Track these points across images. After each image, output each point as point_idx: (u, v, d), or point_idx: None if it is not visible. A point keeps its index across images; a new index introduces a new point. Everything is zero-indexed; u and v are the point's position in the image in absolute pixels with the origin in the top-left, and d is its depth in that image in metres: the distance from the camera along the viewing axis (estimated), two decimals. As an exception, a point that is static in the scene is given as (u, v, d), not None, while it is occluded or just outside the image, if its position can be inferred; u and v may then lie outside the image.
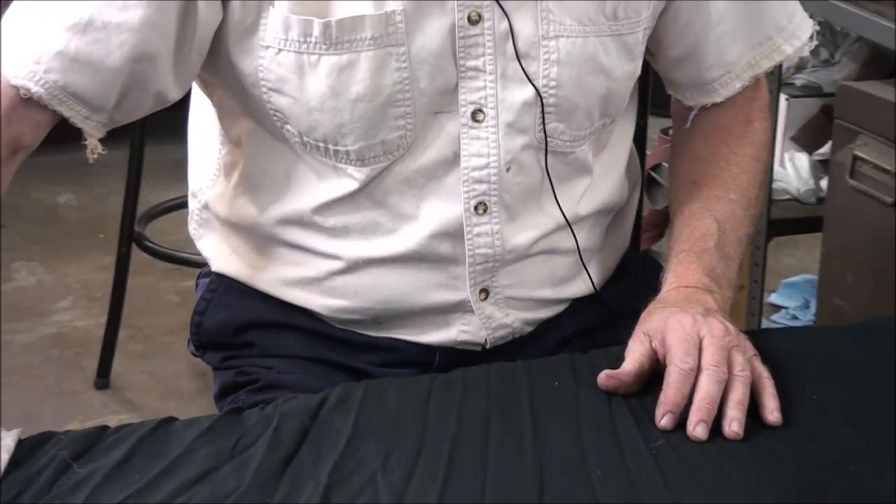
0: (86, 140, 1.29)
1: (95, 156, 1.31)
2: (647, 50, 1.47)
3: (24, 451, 1.12)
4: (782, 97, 2.70)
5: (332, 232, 1.39)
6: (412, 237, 1.37)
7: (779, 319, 2.85)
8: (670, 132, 1.83)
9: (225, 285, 1.50)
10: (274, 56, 1.31)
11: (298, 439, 1.16)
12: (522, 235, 1.40)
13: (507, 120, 1.35)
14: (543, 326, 1.48)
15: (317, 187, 1.37)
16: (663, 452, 1.15)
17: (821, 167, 2.72)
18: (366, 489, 1.09)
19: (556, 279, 1.46)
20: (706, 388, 1.18)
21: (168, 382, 2.77)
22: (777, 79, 2.56)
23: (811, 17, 2.41)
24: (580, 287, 1.48)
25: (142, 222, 2.78)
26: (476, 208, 1.37)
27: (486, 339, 1.43)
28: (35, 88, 1.23)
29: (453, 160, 1.35)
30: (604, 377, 1.22)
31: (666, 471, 1.12)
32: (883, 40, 2.26)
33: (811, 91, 2.85)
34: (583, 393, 1.24)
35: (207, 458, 1.13)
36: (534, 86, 1.34)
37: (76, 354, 2.86)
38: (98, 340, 2.78)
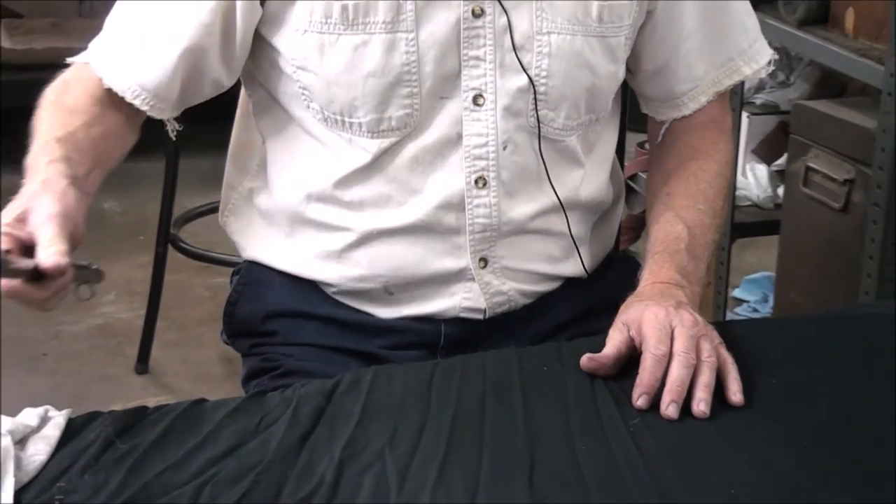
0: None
1: (175, 132, 1.41)
2: (628, 68, 1.47)
3: (74, 428, 1.13)
4: (744, 115, 2.70)
5: (350, 206, 1.39)
6: (420, 209, 1.37)
7: (741, 312, 2.85)
8: (645, 146, 1.83)
9: (254, 279, 1.50)
10: (300, 37, 1.34)
11: (315, 419, 1.16)
12: (518, 210, 1.40)
13: (504, 104, 1.36)
14: (539, 310, 1.47)
15: (335, 163, 1.38)
16: (640, 430, 1.15)
17: (778, 177, 2.72)
18: (375, 463, 1.10)
19: (550, 257, 1.45)
20: (677, 373, 1.18)
21: (199, 368, 2.77)
22: (739, 98, 2.57)
23: (770, 43, 2.42)
24: (572, 268, 1.47)
25: (177, 225, 2.79)
26: (476, 182, 1.37)
27: (485, 308, 1.43)
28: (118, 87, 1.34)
29: (457, 140, 1.36)
30: (585, 360, 1.23)
31: (642, 446, 1.13)
32: (832, 64, 2.26)
33: (769, 109, 2.85)
34: (568, 377, 1.24)
35: (234, 434, 1.13)
36: (528, 75, 1.35)
37: (119, 343, 2.86)
38: (138, 330, 2.78)
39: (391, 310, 1.43)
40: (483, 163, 1.37)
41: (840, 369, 1.28)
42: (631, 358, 1.24)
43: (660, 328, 1.23)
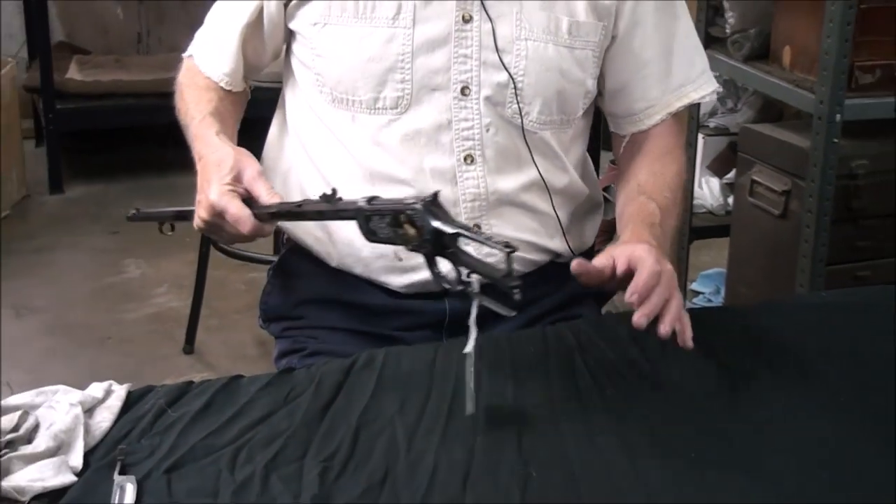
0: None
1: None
2: (599, 92, 1.47)
3: (132, 400, 1.13)
4: (700, 136, 2.70)
5: (363, 179, 1.37)
6: (420, 183, 1.36)
7: (698, 301, 2.84)
8: (614, 164, 1.82)
9: (285, 273, 1.50)
10: (320, 29, 1.36)
11: (335, 391, 1.16)
12: (503, 183, 1.39)
13: (486, 94, 1.36)
14: (527, 300, 1.44)
15: (347, 140, 1.38)
16: (613, 402, 1.15)
17: (728, 188, 2.72)
18: (386, 429, 1.10)
19: (537, 232, 1.43)
20: (657, 298, 1.17)
21: (237, 349, 2.77)
22: (696, 122, 2.57)
23: (720, 75, 2.42)
24: (558, 245, 1.45)
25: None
26: (465, 159, 1.37)
27: None
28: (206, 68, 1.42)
29: (447, 125, 1.36)
30: (575, 264, 1.19)
31: (615, 412, 1.13)
32: (772, 93, 2.26)
33: (721, 131, 2.86)
34: (551, 356, 1.24)
35: (266, 405, 1.13)
36: (508, 72, 1.35)
37: (169, 328, 2.85)
38: (185, 318, 2.78)
39: (402, 276, 1.40)
40: (470, 143, 1.37)
41: (778, 349, 1.28)
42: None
43: (651, 267, 1.19)
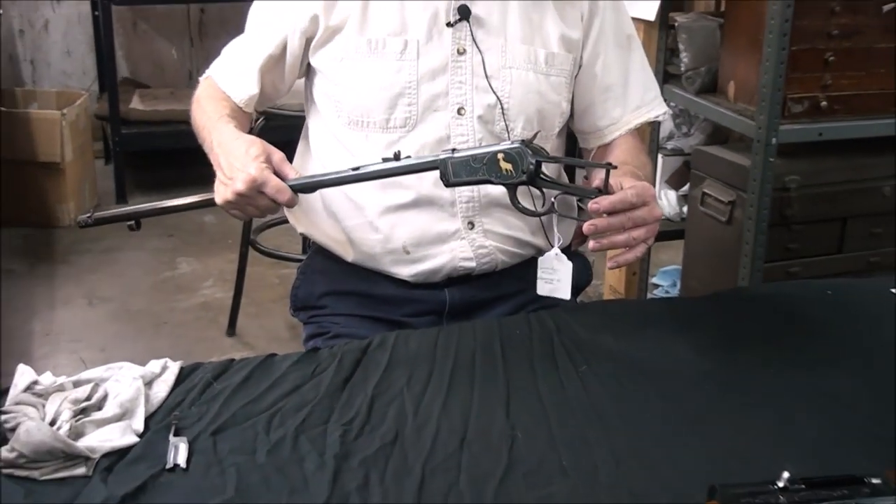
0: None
1: (260, 125, 1.46)
2: (570, 114, 1.46)
3: (184, 374, 1.13)
4: (659, 156, 2.70)
5: (375, 186, 1.36)
6: (424, 187, 1.35)
7: (658, 293, 2.84)
8: (586, 178, 1.80)
9: (311, 271, 1.49)
10: (338, 63, 1.36)
11: (353, 367, 1.16)
12: (492, 188, 1.35)
13: (479, 114, 1.35)
14: (515, 290, 1.43)
15: (357, 156, 1.35)
16: (586, 374, 1.15)
17: (683, 199, 2.71)
18: (396, 398, 1.10)
19: (522, 229, 1.42)
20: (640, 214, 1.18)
21: (271, 332, 2.76)
22: (656, 145, 2.57)
23: (676, 105, 2.42)
24: (540, 241, 1.43)
25: (255, 233, 2.78)
26: None
27: (474, 258, 1.39)
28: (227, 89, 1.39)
29: (446, 139, 1.35)
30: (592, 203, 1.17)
31: (587, 385, 1.13)
32: (719, 121, 2.26)
33: (677, 152, 2.85)
34: (535, 338, 1.24)
35: (296, 379, 1.14)
36: (496, 95, 1.35)
37: (215, 315, 2.85)
38: (228, 306, 2.77)
39: (409, 267, 1.39)
40: None
41: (722, 330, 1.28)
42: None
43: (642, 189, 1.19)
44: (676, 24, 2.38)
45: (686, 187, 2.61)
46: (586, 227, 1.16)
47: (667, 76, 2.41)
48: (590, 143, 1.49)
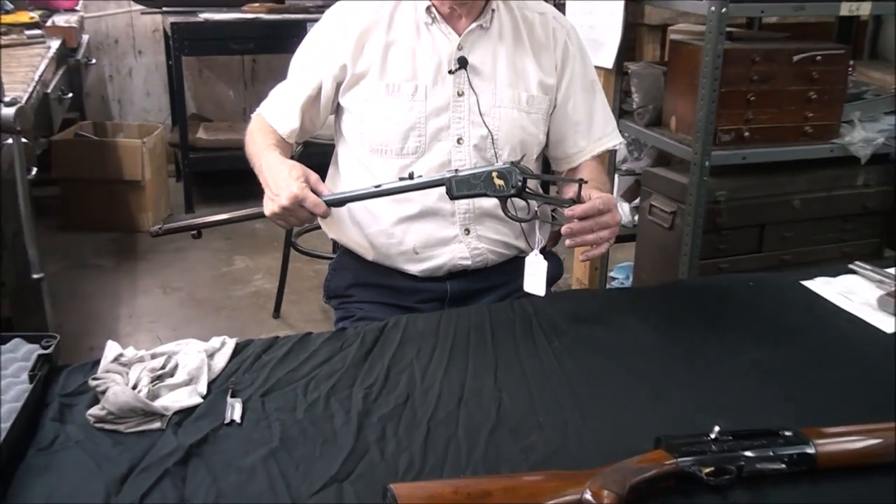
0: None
1: (298, 151, 1.42)
2: (546, 144, 1.44)
3: (238, 348, 1.13)
4: (616, 175, 2.68)
5: (390, 201, 1.35)
6: (430, 200, 1.34)
7: (615, 284, 2.83)
8: (558, 193, 1.78)
9: (340, 267, 1.48)
10: (362, 104, 1.35)
11: (373, 343, 1.16)
12: (484, 202, 1.36)
13: (474, 143, 1.34)
14: (501, 282, 1.43)
15: (377, 176, 1.34)
16: (558, 349, 1.15)
17: (635, 210, 2.70)
18: (407, 368, 1.10)
19: (507, 234, 1.41)
20: (592, 236, 1.19)
21: (308, 315, 2.76)
22: (613, 167, 2.56)
23: (629, 136, 2.41)
24: (521, 245, 1.42)
25: (295, 237, 2.78)
26: None
27: (469, 258, 1.38)
28: (274, 124, 1.38)
29: (448, 163, 1.34)
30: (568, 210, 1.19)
31: (559, 359, 1.13)
32: (664, 147, 2.25)
33: (630, 172, 2.82)
34: (517, 321, 1.24)
35: (327, 352, 1.13)
36: (488, 129, 1.34)
37: (264, 301, 2.84)
38: (274, 295, 2.77)
39: (418, 265, 1.39)
40: None
41: (667, 313, 1.27)
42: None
43: (607, 199, 1.21)
44: (629, 71, 2.37)
45: (637, 200, 2.60)
46: (564, 229, 1.18)
47: (622, 112, 2.41)
48: (561, 166, 1.48)
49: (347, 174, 1.43)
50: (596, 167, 1.45)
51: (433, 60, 1.33)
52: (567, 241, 1.19)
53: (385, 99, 1.33)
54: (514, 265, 1.43)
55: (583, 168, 1.44)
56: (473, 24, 1.34)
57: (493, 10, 1.35)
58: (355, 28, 1.34)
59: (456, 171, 1.20)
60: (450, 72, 1.33)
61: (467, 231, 1.38)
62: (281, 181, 1.19)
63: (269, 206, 1.19)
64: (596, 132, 1.44)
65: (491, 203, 1.37)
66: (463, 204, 1.36)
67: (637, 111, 2.34)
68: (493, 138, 1.35)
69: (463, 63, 1.33)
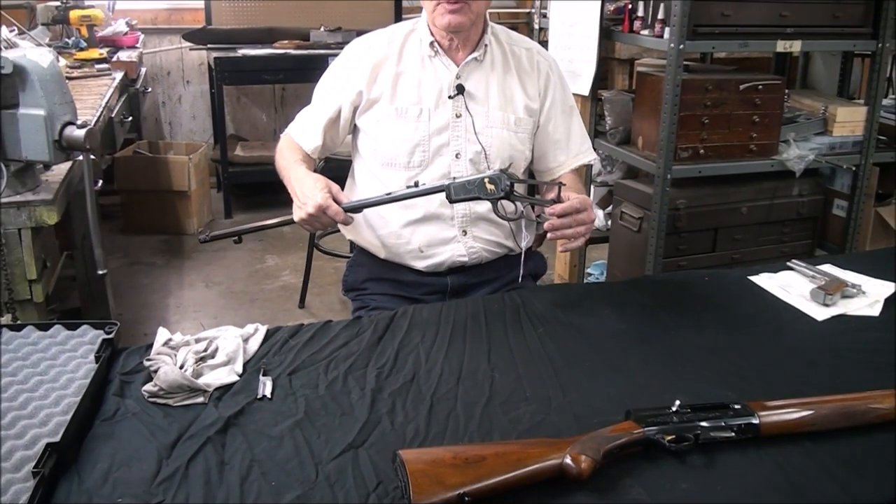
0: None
1: (321, 165, 1.39)
2: (531, 159, 1.43)
3: (269, 334, 1.12)
4: (592, 186, 2.68)
5: (399, 207, 1.34)
6: (433, 206, 1.34)
7: (591, 279, 2.82)
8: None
9: (355, 265, 1.47)
10: (375, 124, 1.34)
11: (385, 329, 1.15)
12: (478, 207, 1.35)
13: (469, 158, 1.34)
14: (494, 278, 1.41)
15: (387, 186, 1.32)
16: (542, 335, 1.14)
17: (608, 216, 2.70)
18: (414, 350, 1.09)
19: (499, 235, 1.40)
20: (571, 230, 1.18)
21: (329, 305, 2.75)
22: (590, 179, 2.56)
23: (603, 153, 2.40)
24: (512, 244, 1.41)
25: (317, 239, 2.78)
26: None
27: (467, 255, 1.37)
28: (300, 142, 1.37)
29: (447, 174, 1.33)
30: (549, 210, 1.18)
31: (544, 343, 1.12)
32: (632, 163, 2.25)
33: (604, 184, 2.81)
34: (507, 311, 1.23)
35: (345, 337, 1.12)
36: (481, 145, 1.33)
37: (291, 294, 2.83)
38: (300, 288, 2.76)
39: (423, 262, 1.38)
40: None
41: (636, 304, 1.27)
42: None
43: (583, 200, 1.19)
44: (603, 98, 2.37)
45: (610, 207, 2.60)
46: (546, 225, 1.17)
47: (597, 133, 2.41)
48: (544, 177, 1.47)
49: (362, 184, 1.42)
50: (573, 178, 1.44)
51: (435, 87, 1.33)
52: (549, 235, 1.19)
53: (395, 120, 1.33)
54: (505, 262, 1.42)
55: (562, 179, 1.43)
56: (469, 57, 1.34)
57: (486, 45, 1.36)
58: (370, 60, 1.35)
59: (454, 178, 1.19)
60: (449, 97, 1.33)
61: (465, 232, 1.37)
62: (308, 191, 1.19)
63: (298, 213, 1.19)
64: (573, 149, 1.44)
65: (484, 208, 1.36)
66: (461, 209, 1.35)
67: (609, 132, 2.34)
68: (485, 154, 1.34)
69: (460, 90, 1.33)
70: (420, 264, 1.39)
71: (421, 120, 1.33)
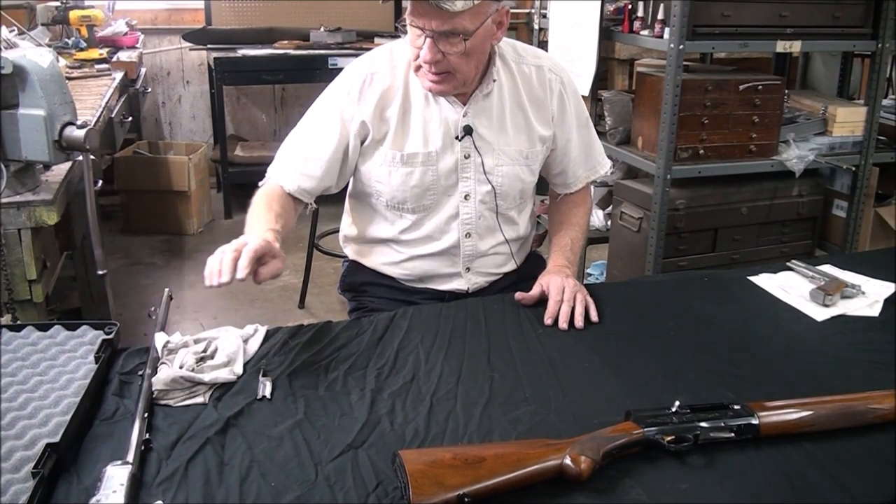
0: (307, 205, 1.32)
1: (311, 209, 1.33)
2: (546, 172, 1.43)
3: (269, 334, 1.12)
4: (592, 187, 2.67)
5: (404, 243, 1.35)
6: (440, 246, 1.33)
7: (591, 280, 2.82)
8: (544, 201, 1.78)
9: (353, 268, 1.46)
10: (378, 167, 1.30)
11: (384, 330, 1.15)
12: (483, 245, 1.35)
13: (479, 198, 1.32)
14: (493, 282, 1.43)
15: (394, 225, 1.34)
16: (541, 335, 1.15)
17: (608, 216, 2.69)
18: (413, 351, 1.09)
19: (499, 265, 1.40)
20: (565, 308, 1.18)
21: (329, 306, 2.75)
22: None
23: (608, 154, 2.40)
24: (510, 267, 1.42)
25: (317, 239, 2.78)
26: (466, 235, 1.33)
27: (467, 289, 1.38)
28: (290, 189, 1.28)
29: (456, 216, 1.32)
30: (518, 295, 1.23)
31: (543, 343, 1.12)
32: (632, 163, 2.25)
33: (604, 184, 2.79)
34: (507, 311, 1.23)
35: (345, 338, 1.12)
36: (491, 185, 1.31)
37: (292, 294, 2.84)
38: (300, 288, 2.76)
39: (422, 284, 1.38)
40: (468, 226, 1.33)
41: (634, 305, 1.27)
42: (541, 300, 1.23)
43: (558, 287, 1.20)
44: (603, 98, 2.37)
45: (610, 208, 2.60)
46: (548, 321, 1.17)
47: (598, 133, 2.40)
48: (560, 189, 1.46)
49: (365, 216, 1.39)
50: (584, 193, 1.46)
51: (442, 128, 1.28)
52: (560, 324, 1.17)
53: (401, 167, 1.29)
54: (499, 285, 1.42)
55: (575, 194, 1.45)
56: (476, 92, 1.29)
57: (493, 80, 1.28)
58: (376, 90, 1.27)
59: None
60: (457, 138, 1.28)
61: (468, 268, 1.37)
62: (248, 235, 1.11)
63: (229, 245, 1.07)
64: (591, 162, 1.43)
65: (488, 245, 1.37)
66: (468, 247, 1.35)
67: (609, 132, 2.34)
68: (495, 192, 1.33)
69: (468, 130, 1.28)
70: (419, 285, 1.39)
71: (429, 163, 1.28)
